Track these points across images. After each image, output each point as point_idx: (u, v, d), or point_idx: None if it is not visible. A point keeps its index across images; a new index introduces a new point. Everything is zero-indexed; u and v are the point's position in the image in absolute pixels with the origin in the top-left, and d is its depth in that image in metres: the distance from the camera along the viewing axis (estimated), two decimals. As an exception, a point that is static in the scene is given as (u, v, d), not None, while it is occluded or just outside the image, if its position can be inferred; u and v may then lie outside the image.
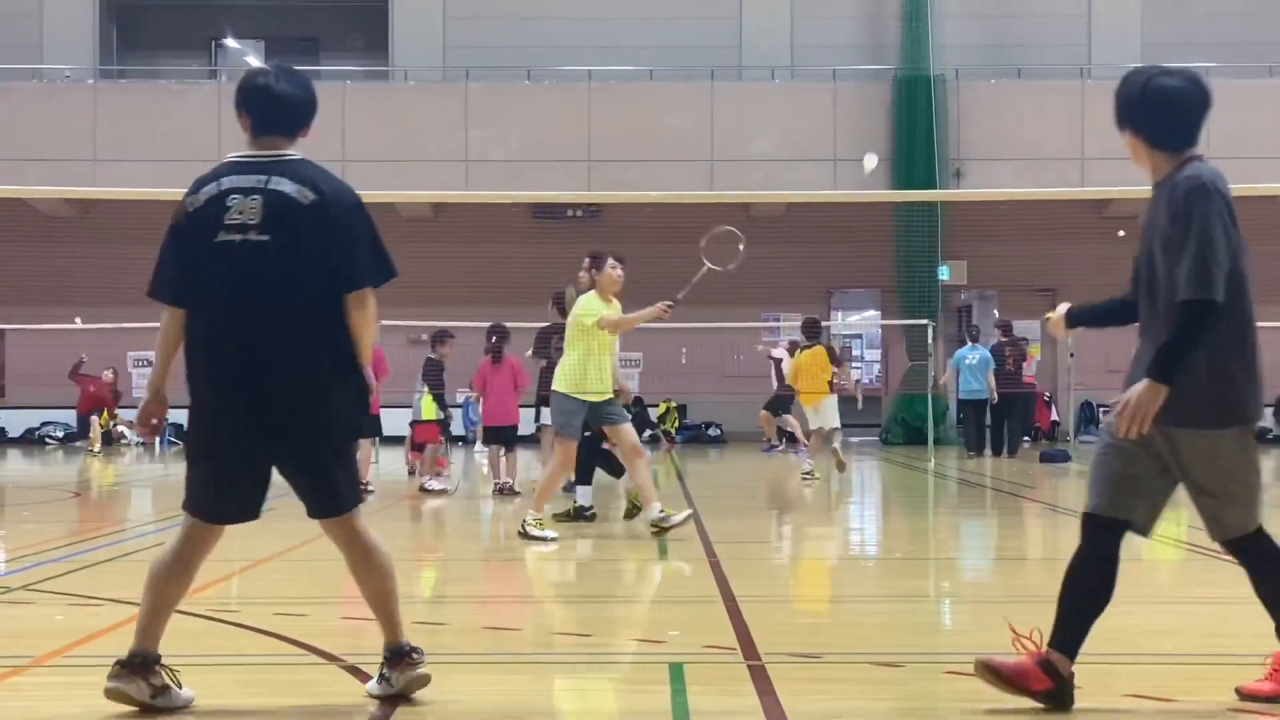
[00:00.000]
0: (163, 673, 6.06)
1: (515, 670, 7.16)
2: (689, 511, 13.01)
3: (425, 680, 6.05)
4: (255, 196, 6.03)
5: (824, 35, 34.69)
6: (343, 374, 6.10)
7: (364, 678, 6.65)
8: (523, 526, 12.37)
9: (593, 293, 12.93)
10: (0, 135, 31.53)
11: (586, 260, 13.34)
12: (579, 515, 13.97)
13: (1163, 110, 6.63)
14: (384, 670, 6.15)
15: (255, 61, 37.44)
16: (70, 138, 30.82)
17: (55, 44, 35.15)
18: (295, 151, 6.31)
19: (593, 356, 12.74)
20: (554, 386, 12.78)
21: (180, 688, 6.14)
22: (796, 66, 34.40)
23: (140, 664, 6.02)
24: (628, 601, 9.75)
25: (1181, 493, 6.06)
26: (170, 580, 6.19)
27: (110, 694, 5.98)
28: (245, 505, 6.32)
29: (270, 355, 5.98)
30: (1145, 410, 5.68)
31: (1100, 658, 7.30)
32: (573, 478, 14.42)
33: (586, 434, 13.77)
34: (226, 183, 6.10)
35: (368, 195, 23.24)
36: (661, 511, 12.44)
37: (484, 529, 14.35)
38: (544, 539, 12.23)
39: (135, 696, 5.99)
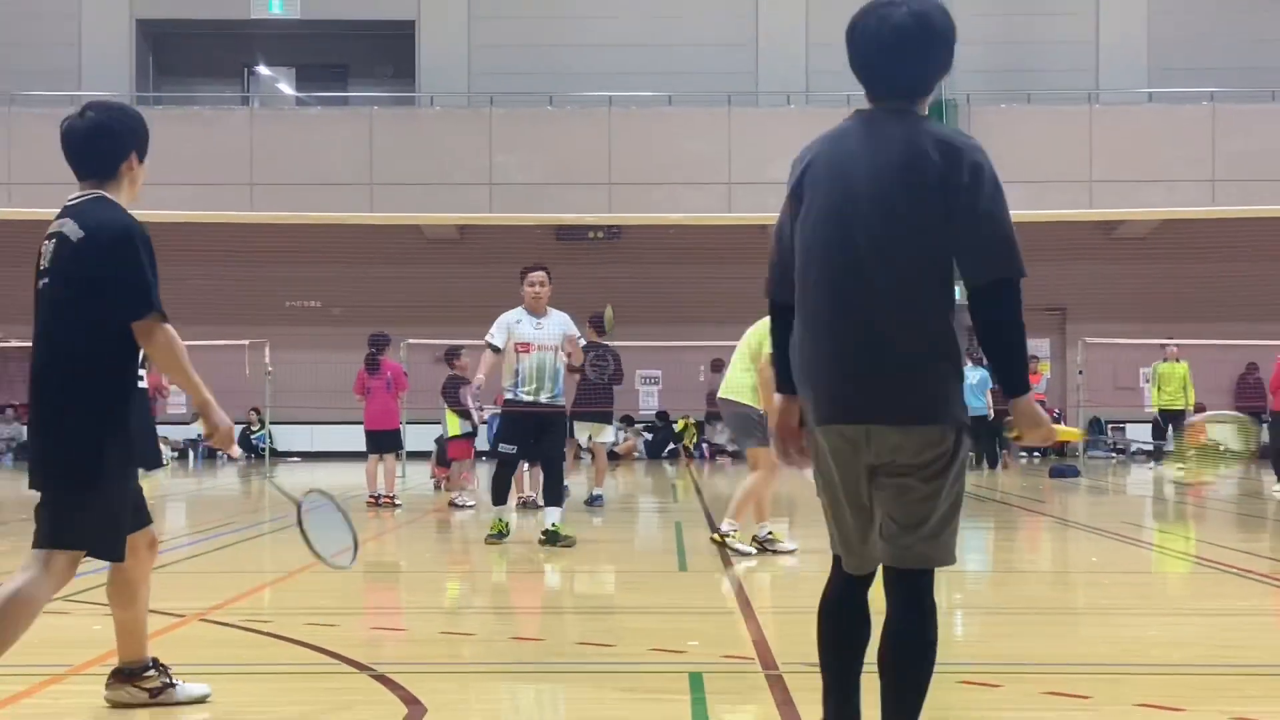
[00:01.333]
0: (155, 676, 6.19)
1: (540, 679, 7.16)
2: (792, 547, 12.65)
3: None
4: (52, 240, 5.99)
5: (838, 61, 33.87)
6: (104, 398, 5.88)
7: (392, 685, 6.66)
8: (719, 535, 12.24)
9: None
10: (40, 159, 31.60)
11: None
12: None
13: None
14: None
15: (287, 88, 37.60)
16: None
17: (93, 70, 35.25)
18: (98, 191, 6.08)
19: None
20: (737, 398, 12.50)
21: (178, 684, 6.27)
22: (811, 92, 34.38)
23: (126, 674, 6.21)
24: (647, 612, 9.74)
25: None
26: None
27: (109, 701, 6.19)
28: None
29: (33, 389, 5.97)
30: None
31: (1113, 668, 7.30)
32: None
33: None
34: (49, 231, 6.08)
35: (395, 218, 23.63)
36: (769, 533, 12.35)
37: (509, 541, 14.30)
38: (742, 553, 11.97)
39: (132, 701, 6.17)
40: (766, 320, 4.99)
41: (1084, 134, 32.77)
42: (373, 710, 6.18)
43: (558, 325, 13.08)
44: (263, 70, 37.99)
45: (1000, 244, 4.47)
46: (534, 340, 13.00)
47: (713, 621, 8.98)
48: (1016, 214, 16.04)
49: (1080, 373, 32.05)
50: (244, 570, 11.93)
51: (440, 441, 20.50)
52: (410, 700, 6.32)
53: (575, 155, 32.34)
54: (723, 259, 32.51)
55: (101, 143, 6.10)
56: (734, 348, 12.99)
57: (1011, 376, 4.47)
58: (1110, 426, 35.17)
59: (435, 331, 28.01)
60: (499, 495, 13.42)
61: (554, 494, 13.15)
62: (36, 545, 5.82)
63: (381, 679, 6.84)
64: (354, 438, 21.75)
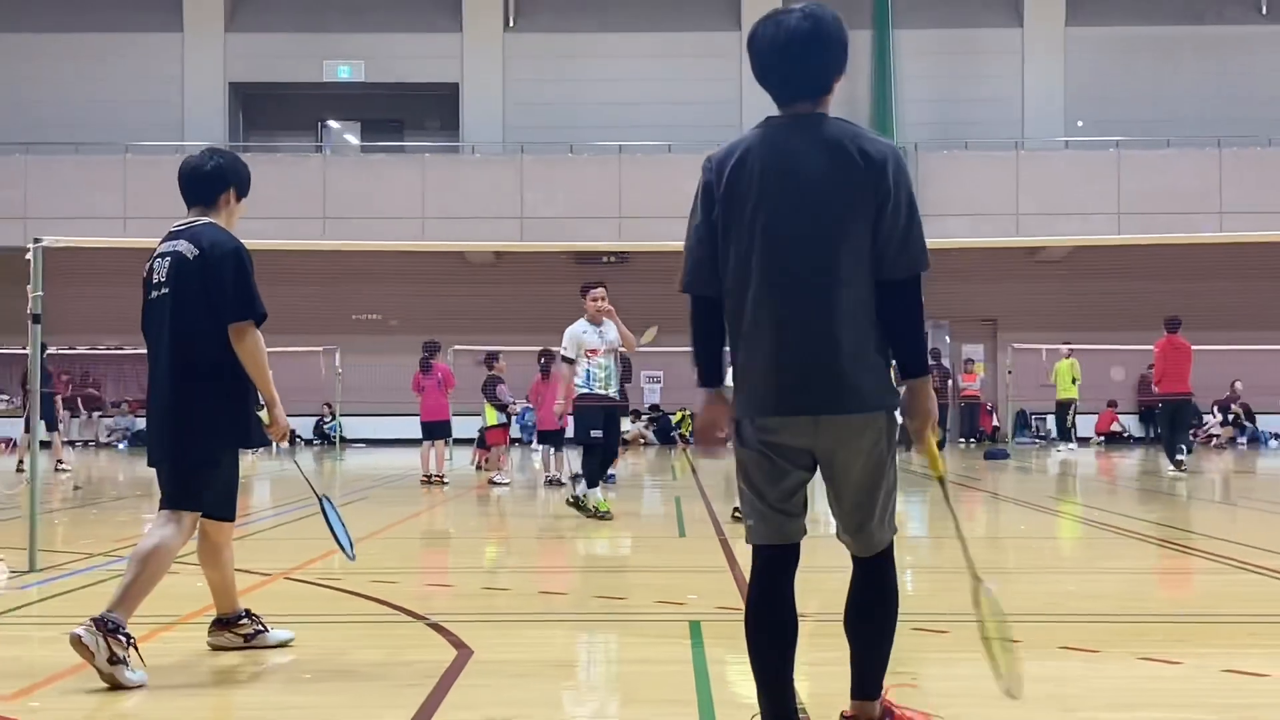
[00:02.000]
0: (245, 622, 6.23)
1: (564, 627, 7.15)
2: None
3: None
4: (167, 258, 6.02)
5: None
6: (216, 393, 5.92)
7: (444, 632, 6.65)
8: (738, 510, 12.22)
9: None
10: (150, 198, 31.65)
11: None
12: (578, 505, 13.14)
13: None
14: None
15: (353, 139, 37.62)
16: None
17: (194, 124, 35.28)
18: (208, 216, 6.17)
19: None
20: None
21: (267, 630, 6.30)
22: (787, 141, 34.31)
23: (224, 623, 6.25)
24: (654, 571, 9.74)
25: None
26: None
27: (211, 645, 6.23)
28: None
29: (156, 384, 6.00)
30: None
31: (1040, 617, 7.29)
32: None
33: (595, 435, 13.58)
34: (158, 250, 6.13)
35: (442, 245, 23.35)
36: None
37: (538, 512, 14.30)
38: None
39: (229, 645, 6.21)
40: None
41: (1011, 175, 32.81)
42: (428, 653, 6.17)
43: (613, 331, 13.12)
44: (333, 124, 38.06)
45: (918, 241, 4.11)
46: (599, 345, 13.09)
47: (708, 579, 8.96)
48: (956, 242, 16.04)
49: (1009, 373, 32.07)
50: (318, 537, 11.89)
51: (481, 430, 20.53)
52: (459, 644, 6.32)
53: (591, 194, 32.37)
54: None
55: (208, 178, 6.21)
56: (584, 329, 13.22)
57: (917, 359, 4.16)
58: (1033, 417, 35.15)
59: (475, 339, 28.05)
60: (593, 479, 13.22)
61: (606, 471, 13.30)
62: (164, 507, 5.90)
63: (435, 627, 6.84)
64: (410, 427, 21.75)
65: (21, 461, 22.09)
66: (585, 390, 13.12)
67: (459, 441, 23.47)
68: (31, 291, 9.07)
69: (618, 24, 35.79)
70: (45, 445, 23.37)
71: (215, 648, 6.21)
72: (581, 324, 13.18)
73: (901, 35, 34.77)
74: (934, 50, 35.28)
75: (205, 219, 6.14)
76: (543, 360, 18.98)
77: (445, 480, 18.51)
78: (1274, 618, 7.29)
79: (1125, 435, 33.92)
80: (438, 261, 32.77)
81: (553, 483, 17.99)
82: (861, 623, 4.30)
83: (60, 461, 22.16)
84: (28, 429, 10.86)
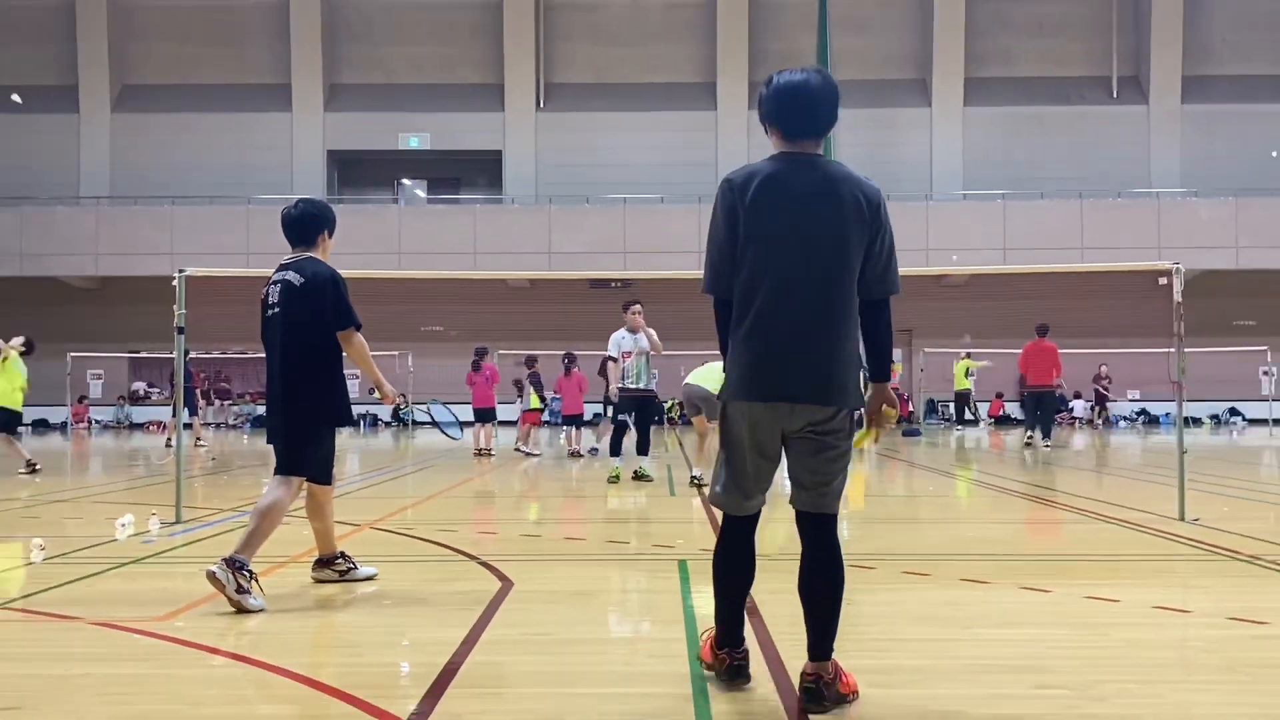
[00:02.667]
0: (340, 561, 6.26)
1: (585, 564, 7.15)
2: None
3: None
4: (278, 285, 6.02)
5: None
6: (318, 385, 5.95)
7: (491, 568, 6.65)
8: (695, 479, 12.36)
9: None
10: (266, 239, 31.68)
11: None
12: (640, 477, 13.16)
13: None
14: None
15: (421, 193, 37.62)
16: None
17: (299, 182, 35.34)
18: (309, 252, 6.13)
19: None
20: (704, 385, 12.43)
21: (358, 567, 6.31)
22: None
23: (324, 561, 6.28)
24: (651, 522, 9.74)
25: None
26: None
27: (314, 579, 6.25)
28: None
29: (273, 380, 6.02)
30: None
31: (943, 556, 7.29)
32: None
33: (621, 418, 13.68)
34: (272, 278, 6.11)
35: (489, 274, 23.11)
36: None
37: (562, 477, 14.28)
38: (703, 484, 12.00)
39: (327, 579, 6.23)
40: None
41: (923, 220, 32.82)
42: (480, 584, 6.18)
43: (644, 339, 13.14)
44: (405, 182, 38.10)
45: (895, 270, 4.00)
46: (633, 349, 13.12)
47: (692, 528, 8.97)
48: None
49: (921, 371, 32.06)
50: (396, 496, 11.93)
51: (523, 410, 20.60)
52: (503, 578, 6.33)
53: (603, 234, 32.41)
54: (694, 299, 32.49)
55: (306, 222, 6.17)
56: (701, 357, 13.20)
57: (884, 366, 4.01)
58: (940, 404, 35.13)
59: (514, 345, 28.15)
60: (614, 451, 13.42)
61: (643, 448, 13.23)
62: (278, 473, 5.96)
63: (485, 565, 6.84)
64: (466, 413, 21.75)
65: (169, 439, 22.13)
66: (620, 385, 13.20)
67: (501, 424, 23.45)
68: (177, 309, 9.08)
69: (623, 106, 35.88)
70: (188, 427, 23.49)
71: (317, 581, 6.22)
72: (622, 332, 13.22)
73: (840, 113, 34.72)
74: (864, 125, 35.29)
75: (307, 254, 6.14)
76: (565, 360, 18.97)
77: (492, 453, 18.53)
78: (1123, 557, 7.30)
79: (1010, 418, 33.92)
80: (485, 287, 32.82)
81: (574, 454, 18.00)
82: (818, 586, 3.91)
83: (199, 439, 22.19)
84: (174, 414, 10.84)
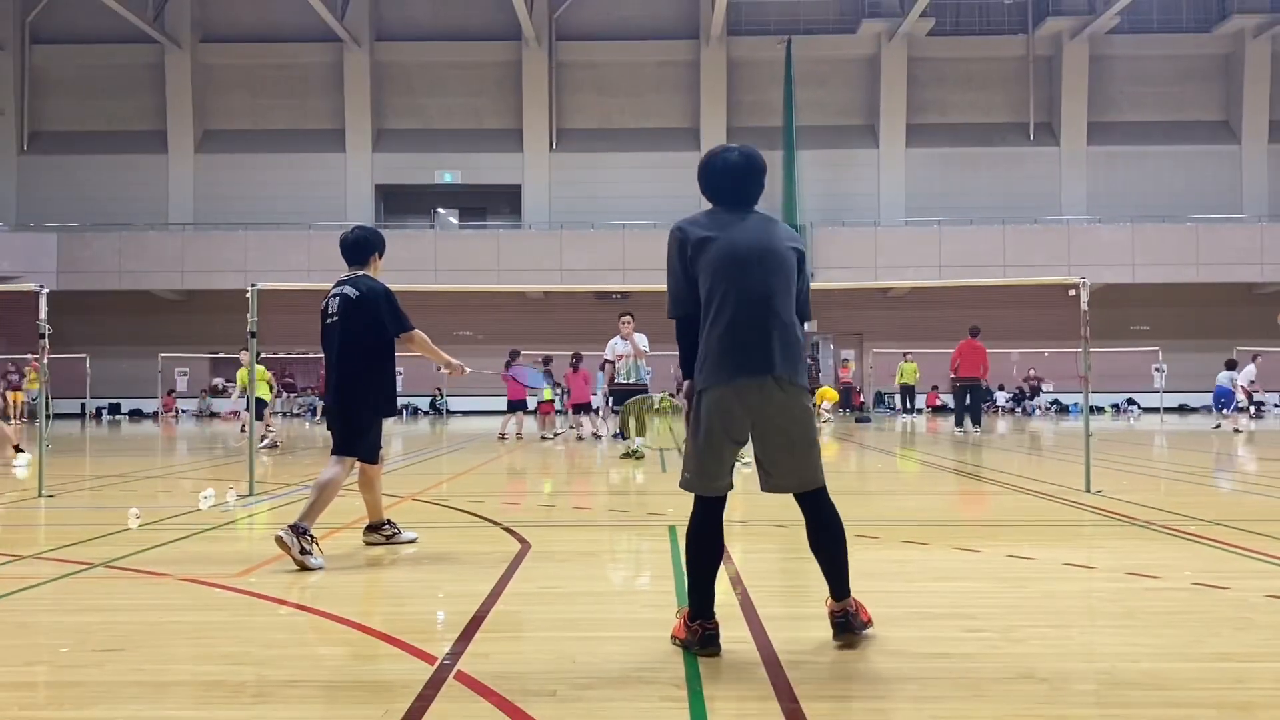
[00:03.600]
0: (387, 527, 6.23)
1: (592, 530, 7.15)
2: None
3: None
4: (336, 298, 5.99)
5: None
6: (369, 381, 5.89)
7: (513, 533, 6.64)
8: None
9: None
10: (325, 258, 31.67)
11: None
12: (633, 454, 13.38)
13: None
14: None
15: (453, 220, 37.56)
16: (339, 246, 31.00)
17: (351, 210, 35.35)
18: (362, 270, 6.09)
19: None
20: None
21: (402, 532, 6.27)
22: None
23: (373, 528, 6.23)
24: (645, 494, 9.74)
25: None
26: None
27: (365, 542, 6.22)
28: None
29: (332, 378, 5.96)
30: None
31: (889, 522, 7.29)
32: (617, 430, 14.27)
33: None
34: (331, 292, 6.09)
35: (511, 289, 23.00)
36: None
37: (571, 457, 14.24)
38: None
39: (375, 542, 6.19)
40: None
41: (871, 242, 32.85)
42: (504, 546, 6.18)
43: (635, 342, 13.24)
44: (440, 211, 38.07)
45: (809, 302, 3.97)
46: (624, 352, 13.48)
47: (680, 499, 8.95)
48: (837, 284, 15.69)
49: (870, 368, 32.05)
50: (434, 473, 11.92)
51: (539, 401, 20.56)
52: (523, 541, 6.33)
53: (605, 254, 32.40)
54: (683, 308, 32.53)
55: (361, 245, 6.14)
56: (614, 342, 13.56)
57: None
58: (886, 396, 35.13)
59: (532, 347, 28.02)
60: (624, 434, 13.56)
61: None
62: (334, 453, 5.93)
63: (508, 530, 6.83)
64: (491, 404, 21.70)
65: (244, 426, 22.07)
66: (615, 382, 13.38)
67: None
68: (250, 317, 9.07)
69: (622, 147, 35.88)
70: (260, 417, 23.46)
71: (368, 544, 6.21)
72: (615, 339, 13.41)
73: (802, 154, 34.80)
74: (822, 163, 35.37)
75: (361, 272, 6.11)
76: (574, 359, 18.95)
77: (521, 437, 18.57)
78: (1039, 522, 7.30)
79: (944, 407, 33.91)
80: (508, 299, 32.82)
81: (580, 438, 17.97)
82: (828, 541, 3.88)
83: (269, 427, 22.15)
84: (248, 406, 10.78)
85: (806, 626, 4.25)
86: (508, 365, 19.21)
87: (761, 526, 7.09)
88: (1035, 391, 33.37)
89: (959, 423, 19.98)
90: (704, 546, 3.86)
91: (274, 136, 36.14)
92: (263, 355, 29.77)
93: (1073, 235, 33.09)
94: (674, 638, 3.87)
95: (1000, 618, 4.29)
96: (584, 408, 18.80)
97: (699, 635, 3.79)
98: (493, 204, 37.57)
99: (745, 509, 8.00)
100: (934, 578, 5.22)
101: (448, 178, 36.31)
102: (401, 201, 37.68)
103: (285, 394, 34.63)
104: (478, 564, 5.62)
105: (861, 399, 34.38)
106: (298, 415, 33.68)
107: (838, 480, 11.19)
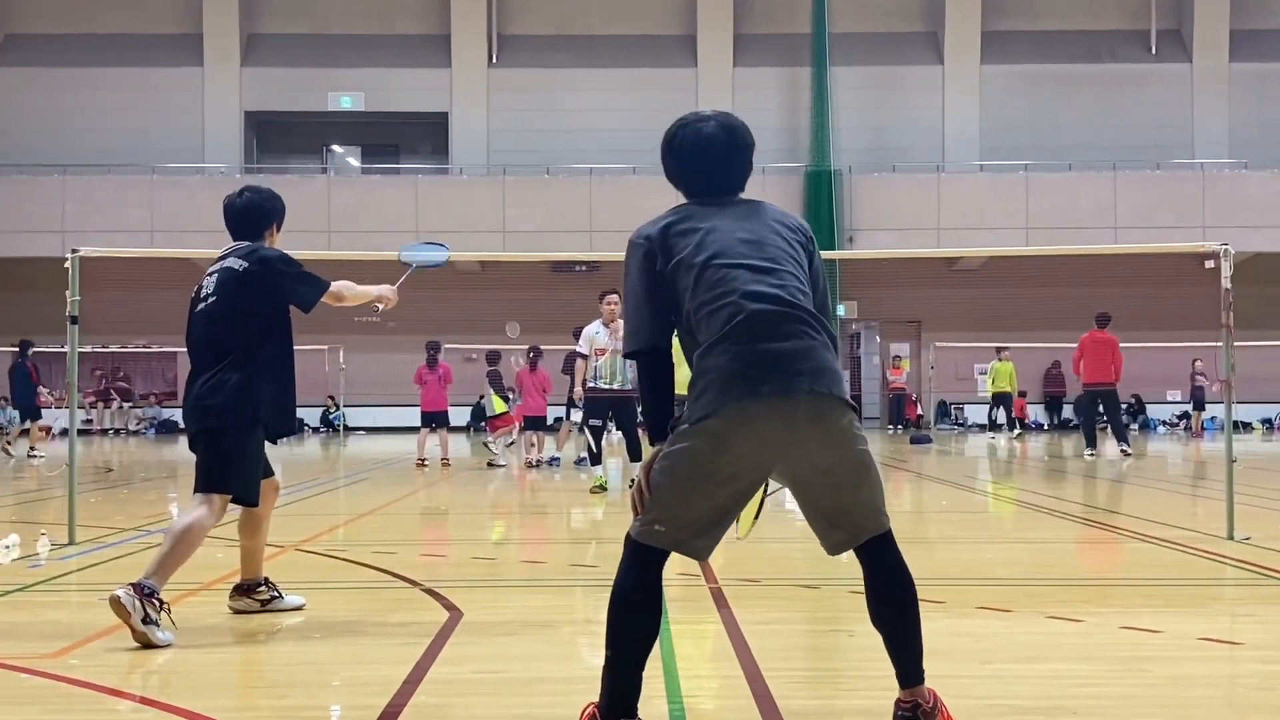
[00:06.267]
0: (263, 589, 6.24)
1: (545, 592, 7.16)
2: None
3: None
4: (214, 275, 6.10)
5: (757, 141, 34.27)
6: (252, 386, 5.94)
7: (437, 596, 6.63)
8: None
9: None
10: (174, 213, 31.60)
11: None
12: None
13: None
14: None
15: (354, 162, 37.52)
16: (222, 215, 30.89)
17: (212, 148, 35.20)
18: (251, 243, 6.22)
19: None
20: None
21: (283, 596, 6.28)
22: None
23: (245, 589, 6.25)
24: (619, 542, 9.73)
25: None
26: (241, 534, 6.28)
27: (231, 609, 6.22)
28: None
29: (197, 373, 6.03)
30: None
31: (958, 581, 7.33)
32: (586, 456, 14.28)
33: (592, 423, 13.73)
34: (207, 270, 6.20)
35: (436, 255, 22.60)
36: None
37: (521, 491, 14.27)
38: None
39: (248, 609, 6.19)
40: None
41: (933, 195, 33.01)
42: (424, 614, 6.16)
43: (619, 334, 13.15)
44: (336, 148, 38.02)
45: (827, 295, 3.97)
46: (607, 345, 13.13)
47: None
48: (885, 253, 16.09)
49: (932, 368, 32.24)
50: (326, 513, 11.90)
51: (488, 417, 20.56)
52: (451, 607, 6.31)
53: (566, 210, 32.43)
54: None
55: (251, 213, 6.28)
56: (595, 328, 13.32)
57: None
58: (952, 406, 35.32)
59: (462, 339, 28.08)
60: (595, 459, 13.51)
61: (635, 453, 13.08)
62: (199, 490, 5.91)
63: (430, 591, 6.82)
64: (406, 416, 21.71)
65: (32, 448, 22.04)
66: (592, 385, 13.21)
67: (452, 429, 23.47)
68: (69, 295, 9.01)
69: (589, 61, 35.84)
70: (25, 433, 23.46)
71: (235, 611, 6.18)
72: (595, 325, 13.26)
73: (837, 72, 34.87)
74: (865, 85, 35.44)
75: (246, 244, 6.20)
76: (531, 355, 18.94)
77: (448, 462, 18.57)
78: (1164, 581, 7.36)
79: (1029, 423, 34.07)
80: (430, 270, 32.73)
81: (533, 465, 17.98)
82: (903, 603, 3.90)
83: (32, 448, 22.33)
84: (70, 417, 10.68)
85: (845, 725, 4.26)
86: (431, 362, 19.26)
87: (781, 587, 7.12)
88: (1197, 400, 32.60)
89: (1090, 444, 19.80)
90: (634, 613, 3.78)
91: (103, 44, 35.95)
92: (88, 348, 29.65)
93: (1209, 185, 33.35)
94: None
95: (1111, 713, 4.31)
96: (539, 422, 18.80)
97: None
98: (409, 139, 37.44)
99: (758, 564, 8.02)
100: (1019, 657, 5.24)
101: (346, 103, 36.21)
102: (282, 135, 37.50)
103: (118, 402, 34.47)
104: (389, 639, 5.60)
105: (919, 411, 34.52)
106: (135, 432, 33.53)
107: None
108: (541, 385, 18.68)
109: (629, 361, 13.26)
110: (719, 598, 6.54)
